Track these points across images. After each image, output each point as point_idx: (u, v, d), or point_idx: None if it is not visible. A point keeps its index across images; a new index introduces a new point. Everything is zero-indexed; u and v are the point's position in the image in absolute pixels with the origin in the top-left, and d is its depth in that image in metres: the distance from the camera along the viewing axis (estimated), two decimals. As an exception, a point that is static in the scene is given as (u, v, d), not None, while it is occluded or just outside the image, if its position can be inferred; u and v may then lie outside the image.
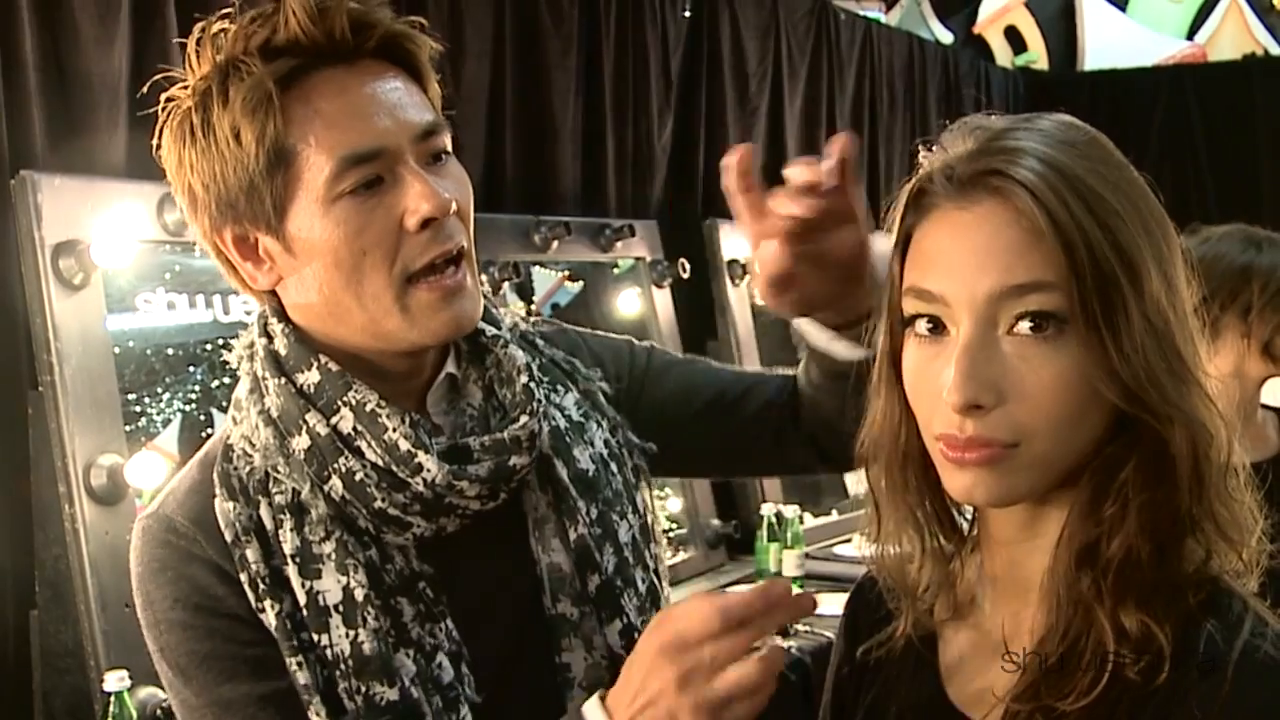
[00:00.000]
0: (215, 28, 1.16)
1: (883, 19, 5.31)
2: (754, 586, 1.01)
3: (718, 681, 0.97)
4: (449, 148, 1.22)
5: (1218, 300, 2.01)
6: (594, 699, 1.06)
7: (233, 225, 1.18)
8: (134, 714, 1.89)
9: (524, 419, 1.23)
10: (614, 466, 1.34)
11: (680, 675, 0.98)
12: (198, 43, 1.17)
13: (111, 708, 1.87)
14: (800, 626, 2.84)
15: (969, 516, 1.09)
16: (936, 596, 1.09)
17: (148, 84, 1.24)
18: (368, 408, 1.18)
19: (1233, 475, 0.96)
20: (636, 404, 1.42)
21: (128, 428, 2.16)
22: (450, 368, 1.28)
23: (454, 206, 1.18)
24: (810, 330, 1.34)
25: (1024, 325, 0.92)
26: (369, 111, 1.16)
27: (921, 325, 0.97)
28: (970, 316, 0.93)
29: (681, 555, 3.38)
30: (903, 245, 1.00)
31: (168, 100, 1.18)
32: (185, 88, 1.17)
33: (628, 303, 3.53)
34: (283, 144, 1.13)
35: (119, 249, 2.10)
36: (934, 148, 1.01)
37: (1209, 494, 0.95)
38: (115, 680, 1.86)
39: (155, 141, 1.20)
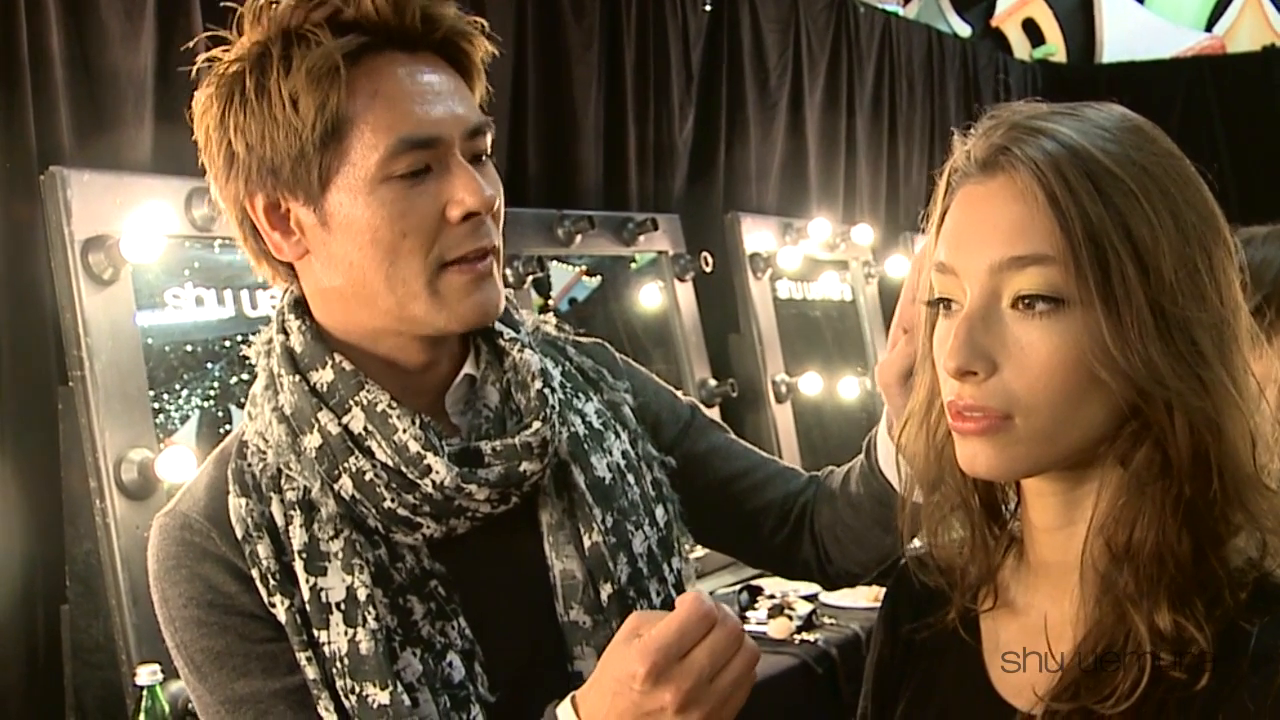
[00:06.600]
0: None
1: (901, 12, 5.29)
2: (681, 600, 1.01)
3: (719, 681, 0.99)
4: (490, 150, 1.23)
5: (1272, 306, 1.97)
6: (566, 704, 1.06)
7: (268, 192, 1.18)
8: (166, 708, 1.88)
9: (536, 425, 1.23)
10: (632, 478, 1.34)
11: (684, 694, 0.98)
12: (251, 12, 1.16)
13: (144, 702, 1.87)
14: (826, 619, 2.84)
15: (1013, 508, 1.08)
16: (981, 583, 1.08)
17: (191, 43, 1.23)
18: (379, 408, 1.18)
19: (1265, 472, 0.94)
20: (671, 451, 1.43)
21: (151, 423, 2.16)
22: (469, 368, 1.28)
23: (496, 204, 1.19)
24: (884, 444, 1.33)
25: (1024, 299, 0.93)
26: (429, 100, 1.17)
27: (939, 307, 0.99)
28: (975, 287, 0.95)
29: (701, 550, 3.36)
30: (939, 225, 1.02)
31: (209, 60, 1.18)
32: (227, 49, 1.17)
33: (649, 297, 3.52)
34: (342, 117, 1.14)
35: (148, 244, 2.10)
36: (970, 130, 1.01)
37: (1227, 487, 0.93)
38: (147, 674, 1.86)
39: (192, 99, 1.19)
